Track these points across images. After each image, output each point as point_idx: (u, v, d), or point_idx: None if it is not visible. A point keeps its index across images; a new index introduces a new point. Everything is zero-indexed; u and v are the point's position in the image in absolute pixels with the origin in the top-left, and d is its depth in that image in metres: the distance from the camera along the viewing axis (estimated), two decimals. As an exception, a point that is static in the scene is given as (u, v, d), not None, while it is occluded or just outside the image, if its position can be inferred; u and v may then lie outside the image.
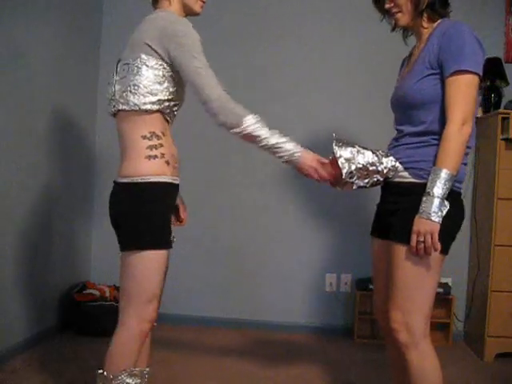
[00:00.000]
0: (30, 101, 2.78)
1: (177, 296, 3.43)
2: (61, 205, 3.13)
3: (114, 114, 1.73)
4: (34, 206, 2.85)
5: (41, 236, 2.95)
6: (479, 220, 3.21)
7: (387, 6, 1.77)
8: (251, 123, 1.63)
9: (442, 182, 1.58)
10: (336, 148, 1.72)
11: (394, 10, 1.76)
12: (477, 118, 3.23)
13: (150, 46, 1.63)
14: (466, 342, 3.30)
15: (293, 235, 3.46)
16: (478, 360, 3.01)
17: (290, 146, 1.70)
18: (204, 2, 1.81)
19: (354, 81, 3.40)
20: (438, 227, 1.58)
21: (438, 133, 1.67)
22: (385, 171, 1.72)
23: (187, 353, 2.95)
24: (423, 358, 1.69)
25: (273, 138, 1.67)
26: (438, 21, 1.75)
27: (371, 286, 3.21)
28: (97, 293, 3.22)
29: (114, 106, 1.70)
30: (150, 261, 1.66)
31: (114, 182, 1.73)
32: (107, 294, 3.24)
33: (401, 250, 1.68)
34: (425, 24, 1.76)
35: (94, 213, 3.51)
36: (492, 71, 3.17)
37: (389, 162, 1.73)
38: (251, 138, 1.65)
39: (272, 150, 1.68)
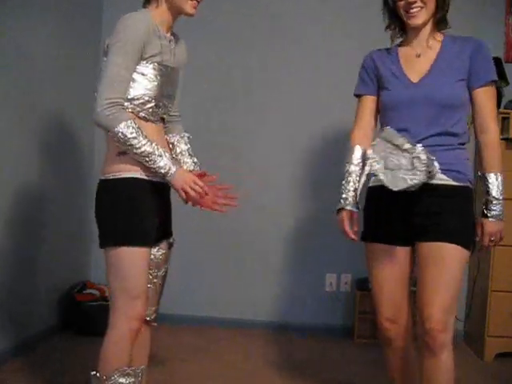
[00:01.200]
0: (29, 100, 2.78)
1: (177, 296, 3.43)
2: (61, 205, 3.13)
3: None
4: (33, 205, 2.85)
5: (40, 236, 2.95)
6: (479, 220, 3.20)
7: None
8: (124, 131, 1.58)
9: (501, 185, 1.74)
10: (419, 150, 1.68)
11: (419, 5, 1.76)
12: (477, 117, 3.25)
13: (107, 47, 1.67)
14: (466, 341, 3.30)
15: (293, 235, 3.46)
16: (478, 360, 3.02)
17: (163, 163, 1.63)
18: (198, 3, 1.73)
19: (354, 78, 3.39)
20: (503, 225, 1.78)
21: (456, 135, 1.79)
22: (434, 172, 1.70)
23: (187, 353, 2.95)
24: (451, 359, 1.74)
25: (146, 151, 1.60)
26: (443, 31, 1.85)
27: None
28: (97, 293, 3.22)
29: None
30: (127, 258, 1.65)
31: None
32: (107, 294, 3.23)
33: (453, 250, 1.72)
34: (436, 29, 1.84)
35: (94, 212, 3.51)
36: (492, 71, 3.17)
37: (436, 164, 1.70)
38: (125, 146, 1.61)
39: (145, 162, 1.63)
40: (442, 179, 1.75)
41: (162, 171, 1.64)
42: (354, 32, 3.38)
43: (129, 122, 1.59)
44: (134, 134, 1.59)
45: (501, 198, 1.74)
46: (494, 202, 1.75)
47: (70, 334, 3.12)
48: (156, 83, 1.68)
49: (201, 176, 1.74)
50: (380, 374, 2.68)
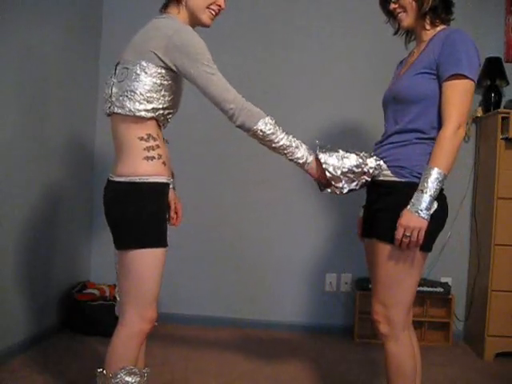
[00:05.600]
0: (31, 101, 2.78)
1: (177, 295, 3.44)
2: (61, 205, 3.13)
3: (109, 114, 1.73)
4: (34, 206, 2.85)
5: (41, 236, 2.94)
6: (479, 220, 3.21)
7: (392, 6, 1.81)
8: (269, 124, 1.67)
9: (434, 180, 1.64)
10: (321, 155, 1.76)
11: (399, 11, 1.81)
12: (477, 117, 3.27)
13: (155, 54, 1.62)
14: (466, 341, 3.31)
15: (293, 235, 3.46)
16: (477, 360, 3.01)
17: (300, 154, 1.74)
18: (215, 15, 1.76)
19: (359, 75, 3.40)
20: (425, 224, 1.64)
21: (420, 130, 1.74)
22: (370, 171, 1.78)
23: (188, 352, 2.94)
24: (401, 348, 1.78)
25: (289, 140, 1.71)
26: (441, 27, 1.79)
27: (371, 286, 3.21)
28: (97, 292, 3.22)
29: (110, 108, 1.70)
30: (150, 259, 1.66)
31: (109, 180, 1.73)
32: (107, 294, 3.24)
33: (382, 248, 1.75)
34: (427, 26, 1.80)
35: (94, 212, 3.51)
36: (492, 71, 3.17)
37: (372, 161, 1.78)
38: (268, 138, 1.69)
39: (287, 150, 1.72)
40: (385, 175, 1.78)
41: (300, 161, 1.75)
42: (364, 25, 3.36)
43: (264, 119, 1.66)
44: (272, 130, 1.68)
45: (429, 193, 1.62)
46: (417, 193, 1.64)
47: (70, 334, 3.12)
48: (179, 93, 1.73)
49: None
50: (380, 374, 2.69)
